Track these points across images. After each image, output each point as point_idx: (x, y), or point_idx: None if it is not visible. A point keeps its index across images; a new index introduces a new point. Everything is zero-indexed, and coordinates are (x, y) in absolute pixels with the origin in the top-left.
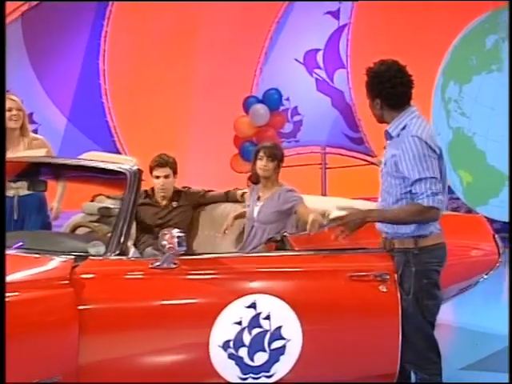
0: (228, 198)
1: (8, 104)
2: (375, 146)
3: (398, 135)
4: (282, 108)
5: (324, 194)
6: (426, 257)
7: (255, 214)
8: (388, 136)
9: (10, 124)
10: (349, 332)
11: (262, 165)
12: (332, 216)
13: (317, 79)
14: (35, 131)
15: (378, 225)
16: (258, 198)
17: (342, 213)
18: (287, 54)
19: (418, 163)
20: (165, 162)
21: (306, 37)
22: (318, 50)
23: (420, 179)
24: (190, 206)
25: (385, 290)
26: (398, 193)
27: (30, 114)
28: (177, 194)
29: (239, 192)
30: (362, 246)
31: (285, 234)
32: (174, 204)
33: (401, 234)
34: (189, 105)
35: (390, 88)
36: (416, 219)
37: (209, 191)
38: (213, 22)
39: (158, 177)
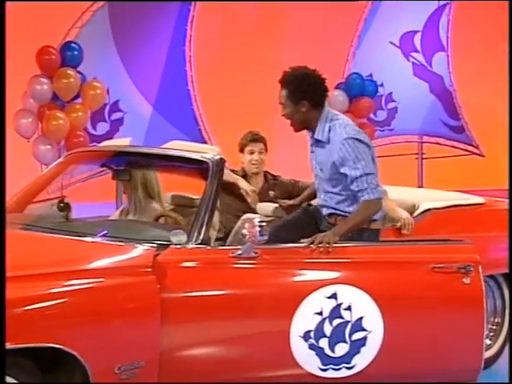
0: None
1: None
2: (477, 134)
3: (328, 140)
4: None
5: (420, 186)
6: (374, 238)
7: None
8: (314, 141)
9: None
10: (431, 325)
11: None
12: (421, 208)
13: (414, 63)
14: (121, 119)
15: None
16: None
17: (435, 204)
18: (382, 37)
19: (357, 163)
20: (259, 137)
21: (402, 18)
22: (415, 31)
23: (361, 176)
24: (279, 196)
25: (468, 282)
26: (340, 194)
27: (116, 102)
28: (273, 183)
29: None
30: (445, 238)
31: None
32: (271, 193)
33: None
34: (277, 92)
35: (318, 87)
36: (370, 214)
37: (297, 181)
38: (302, 4)
39: (252, 152)
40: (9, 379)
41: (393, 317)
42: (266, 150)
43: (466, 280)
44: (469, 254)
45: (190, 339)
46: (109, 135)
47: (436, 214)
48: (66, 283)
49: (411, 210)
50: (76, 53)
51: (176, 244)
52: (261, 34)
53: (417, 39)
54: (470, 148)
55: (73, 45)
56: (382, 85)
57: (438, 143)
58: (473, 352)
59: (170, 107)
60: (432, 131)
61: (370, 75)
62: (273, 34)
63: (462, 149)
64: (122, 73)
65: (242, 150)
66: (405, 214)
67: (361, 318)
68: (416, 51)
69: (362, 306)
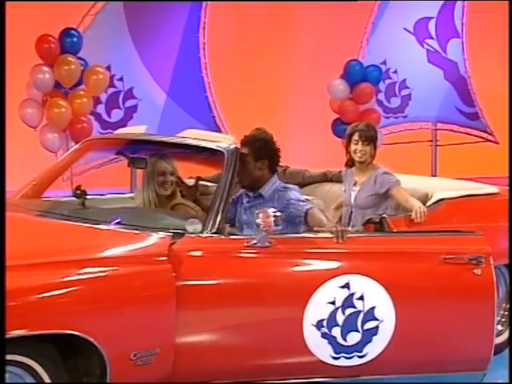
0: (327, 177)
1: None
2: (492, 121)
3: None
4: (389, 82)
5: (434, 174)
6: None
7: (352, 199)
8: (256, 196)
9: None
10: (442, 315)
11: (358, 149)
12: (435, 198)
13: (428, 50)
14: (135, 106)
15: None
16: (355, 184)
17: (448, 194)
18: (396, 24)
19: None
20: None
21: (416, 4)
22: (429, 18)
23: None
24: None
25: (479, 273)
26: None
27: (130, 89)
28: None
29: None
30: (456, 229)
31: (384, 215)
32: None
33: None
34: (291, 79)
35: (277, 151)
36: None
37: (305, 170)
38: None
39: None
40: (31, 363)
41: (404, 306)
42: None
43: (477, 271)
44: (480, 246)
45: (204, 327)
46: (123, 122)
47: (449, 204)
48: (82, 271)
49: (424, 199)
50: (75, 39)
51: (191, 233)
52: (275, 21)
53: (431, 26)
54: (484, 135)
55: (72, 31)
56: (395, 71)
57: (452, 130)
58: (483, 341)
59: (183, 94)
60: (446, 118)
61: (384, 62)
62: (287, 20)
63: (476, 136)
64: (136, 60)
65: None
66: (417, 204)
67: (373, 308)
68: (430, 38)
69: (374, 295)
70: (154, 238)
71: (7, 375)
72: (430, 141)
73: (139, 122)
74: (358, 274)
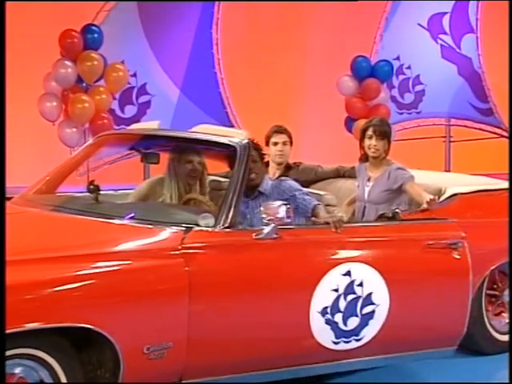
0: (340, 173)
1: None
2: (506, 117)
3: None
4: (402, 77)
5: (448, 170)
6: None
7: (366, 194)
8: (256, 197)
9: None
10: (428, 296)
11: (372, 144)
12: (448, 193)
13: (442, 45)
14: (149, 102)
15: None
16: (369, 179)
17: (461, 189)
18: (410, 19)
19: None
20: (283, 130)
21: None
22: (444, 13)
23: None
24: (300, 182)
25: (458, 256)
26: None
27: (144, 85)
28: (287, 169)
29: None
30: (432, 217)
31: (396, 210)
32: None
33: None
34: (304, 75)
35: (260, 150)
36: None
37: (318, 166)
38: None
39: (276, 143)
40: (45, 356)
41: (397, 290)
42: (291, 144)
43: (456, 255)
44: (456, 232)
45: (217, 320)
46: (136, 118)
47: (463, 199)
48: (96, 265)
49: (438, 194)
50: (96, 35)
51: (204, 227)
52: (288, 17)
53: (445, 21)
54: (498, 131)
55: (93, 27)
56: (409, 67)
57: (465, 126)
58: (461, 318)
59: (197, 90)
60: (460, 114)
61: (398, 57)
62: (301, 16)
63: (490, 131)
64: (150, 56)
65: (267, 143)
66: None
67: (371, 293)
68: (444, 33)
69: (371, 281)
70: (167, 233)
71: (21, 368)
72: (444, 137)
73: (152, 118)
74: (357, 261)
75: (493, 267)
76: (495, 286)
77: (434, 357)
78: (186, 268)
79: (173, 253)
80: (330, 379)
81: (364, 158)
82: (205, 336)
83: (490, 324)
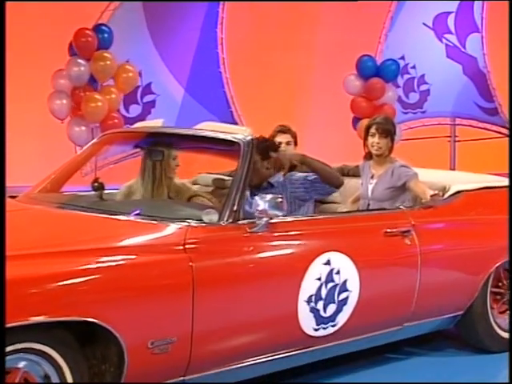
0: (344, 171)
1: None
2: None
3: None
4: (407, 77)
5: (453, 169)
6: None
7: (369, 192)
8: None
9: None
10: (387, 281)
11: (375, 142)
12: (452, 190)
13: (447, 45)
14: (153, 102)
15: None
16: (372, 177)
17: (466, 186)
18: (415, 19)
19: None
20: (286, 129)
21: None
22: (449, 13)
23: None
24: None
25: (409, 243)
26: None
27: (149, 85)
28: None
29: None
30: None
31: (400, 207)
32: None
33: None
34: (309, 75)
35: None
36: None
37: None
38: None
39: (279, 143)
40: (49, 350)
41: (365, 277)
42: (296, 143)
43: (407, 241)
44: (406, 220)
45: (220, 314)
46: (141, 117)
47: (467, 196)
48: (101, 260)
49: (442, 191)
50: (106, 35)
51: (208, 223)
52: (293, 16)
53: (450, 20)
54: (503, 130)
55: (103, 27)
56: (414, 67)
57: (470, 125)
58: (408, 302)
59: (201, 89)
60: (465, 113)
61: (402, 57)
62: (305, 15)
63: (495, 131)
64: (155, 55)
65: None
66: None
67: (346, 280)
68: (449, 33)
69: (346, 269)
70: (171, 228)
71: (25, 363)
72: (449, 136)
73: (157, 117)
74: (334, 250)
75: (497, 264)
76: (500, 284)
77: (390, 337)
78: (190, 263)
79: (177, 248)
80: (330, 379)
81: (368, 156)
82: (208, 330)
83: (495, 322)
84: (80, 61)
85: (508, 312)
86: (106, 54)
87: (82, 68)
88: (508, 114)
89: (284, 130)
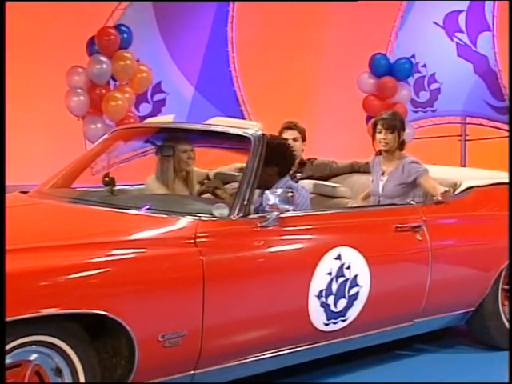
0: (355, 168)
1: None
2: None
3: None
4: (418, 76)
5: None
6: None
7: (380, 189)
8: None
9: None
10: (398, 276)
11: (381, 138)
12: (463, 186)
13: (458, 44)
14: (164, 100)
15: None
16: (383, 173)
17: (476, 182)
18: (425, 17)
19: None
20: (293, 125)
21: None
22: (460, 11)
23: None
24: (315, 178)
25: (420, 238)
26: None
27: (159, 83)
28: (301, 165)
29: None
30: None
31: (411, 202)
32: (298, 175)
33: None
34: (319, 73)
35: (290, 156)
36: None
37: (333, 161)
38: None
39: (286, 139)
40: (60, 343)
41: (376, 272)
42: (304, 139)
43: (418, 237)
44: (417, 215)
45: (230, 308)
46: (151, 116)
47: (478, 192)
48: (112, 253)
49: (453, 188)
50: (125, 35)
51: (218, 217)
52: (303, 15)
53: (461, 19)
54: None
55: (123, 27)
56: (424, 65)
57: (481, 124)
58: (419, 298)
59: (211, 88)
60: (475, 112)
61: (413, 56)
62: (315, 14)
63: (506, 130)
64: (165, 54)
65: None
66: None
67: (356, 275)
68: (460, 31)
69: (357, 264)
70: (182, 222)
71: (36, 355)
72: (460, 135)
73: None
74: (345, 245)
75: (509, 261)
76: None
77: (400, 333)
78: (201, 257)
79: (187, 241)
80: (331, 379)
81: (379, 153)
82: (219, 324)
83: (507, 319)
84: (102, 58)
85: None
86: (126, 54)
87: (104, 66)
88: (508, 116)
89: (290, 126)
